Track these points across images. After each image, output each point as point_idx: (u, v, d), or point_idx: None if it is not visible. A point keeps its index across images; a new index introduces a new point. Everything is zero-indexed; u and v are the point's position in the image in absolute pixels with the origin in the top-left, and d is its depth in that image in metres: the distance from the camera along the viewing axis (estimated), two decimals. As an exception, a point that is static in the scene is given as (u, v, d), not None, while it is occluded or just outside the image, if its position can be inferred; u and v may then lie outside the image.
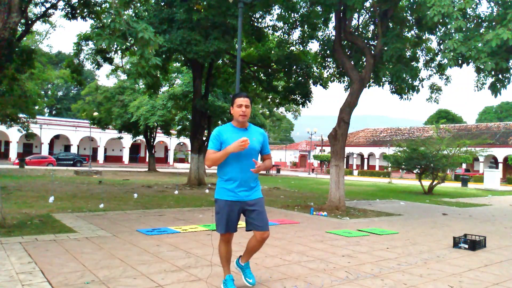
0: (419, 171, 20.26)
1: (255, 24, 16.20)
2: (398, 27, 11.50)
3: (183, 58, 18.73)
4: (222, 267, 3.92)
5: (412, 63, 11.92)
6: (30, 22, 11.99)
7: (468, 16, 9.59)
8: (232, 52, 16.60)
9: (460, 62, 9.17)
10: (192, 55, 13.58)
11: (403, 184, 29.17)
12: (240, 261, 3.93)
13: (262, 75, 20.15)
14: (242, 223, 3.80)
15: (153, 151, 36.43)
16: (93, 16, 13.03)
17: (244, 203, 3.65)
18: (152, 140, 35.65)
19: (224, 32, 14.38)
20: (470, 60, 8.59)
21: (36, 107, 28.53)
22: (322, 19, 12.35)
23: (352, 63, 11.76)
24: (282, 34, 15.76)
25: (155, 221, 7.83)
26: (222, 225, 3.64)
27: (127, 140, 48.89)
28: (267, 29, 16.71)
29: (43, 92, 44.84)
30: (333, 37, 13.13)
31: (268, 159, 3.85)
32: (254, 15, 15.72)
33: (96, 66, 16.06)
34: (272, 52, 17.14)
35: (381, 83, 13.27)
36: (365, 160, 59.32)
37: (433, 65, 13.15)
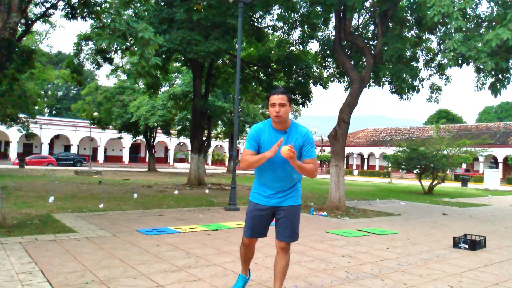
0: (419, 171, 20.26)
1: (255, 24, 16.20)
2: (398, 27, 11.50)
3: (183, 58, 18.73)
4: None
5: (412, 63, 11.92)
6: (30, 22, 12.00)
7: (468, 16, 9.59)
8: (232, 52, 16.59)
9: (460, 62, 9.18)
10: (192, 55, 13.58)
11: (403, 184, 29.17)
12: None
13: (262, 75, 20.15)
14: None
15: (153, 151, 36.42)
16: (93, 16, 13.03)
17: (275, 209, 3.41)
18: (152, 140, 35.64)
19: (224, 32, 14.37)
20: (470, 60, 8.60)
21: (36, 107, 28.55)
22: (322, 19, 12.34)
23: (352, 63, 11.76)
24: (282, 34, 15.76)
25: (155, 221, 7.83)
26: (248, 229, 3.50)
27: (127, 140, 48.88)
28: (267, 29, 16.71)
29: (43, 92, 44.82)
30: (333, 37, 13.13)
31: (310, 164, 3.26)
32: (254, 15, 15.71)
33: (96, 66, 16.04)
34: (272, 52, 17.13)
35: (381, 83, 13.27)
36: (365, 160, 59.33)
37: (433, 65, 13.15)
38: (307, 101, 18.67)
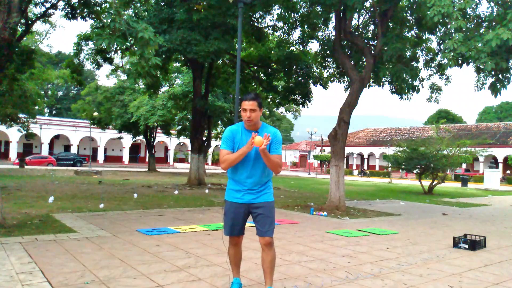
0: (419, 171, 20.26)
1: (255, 24, 16.20)
2: (398, 27, 11.50)
3: (183, 58, 18.73)
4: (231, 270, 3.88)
5: (412, 63, 11.92)
6: (30, 22, 11.98)
7: (468, 16, 9.59)
8: (232, 52, 16.59)
9: (460, 62, 9.18)
10: (192, 55, 13.58)
11: (403, 184, 29.17)
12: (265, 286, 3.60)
13: (262, 75, 20.16)
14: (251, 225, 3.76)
15: (153, 151, 36.41)
16: (93, 16, 13.02)
17: (250, 206, 3.56)
18: (152, 140, 35.63)
19: (224, 32, 14.37)
20: (470, 60, 8.59)
21: (36, 107, 28.51)
22: (322, 19, 12.34)
23: (352, 63, 11.75)
24: (282, 34, 15.77)
25: (155, 221, 7.83)
26: (227, 227, 3.62)
27: (127, 140, 48.88)
28: (267, 29, 16.72)
29: (43, 92, 44.84)
30: (333, 37, 13.13)
31: (276, 158, 3.51)
32: (254, 15, 15.72)
33: (96, 66, 16.04)
34: (272, 52, 17.13)
35: (381, 83, 13.27)
36: (365, 160, 59.31)
37: (433, 65, 13.15)
38: (307, 101, 18.67)
